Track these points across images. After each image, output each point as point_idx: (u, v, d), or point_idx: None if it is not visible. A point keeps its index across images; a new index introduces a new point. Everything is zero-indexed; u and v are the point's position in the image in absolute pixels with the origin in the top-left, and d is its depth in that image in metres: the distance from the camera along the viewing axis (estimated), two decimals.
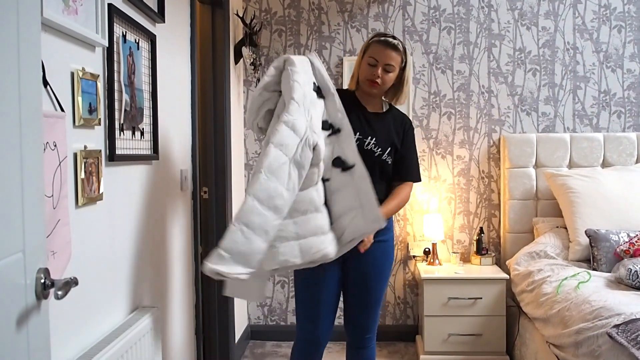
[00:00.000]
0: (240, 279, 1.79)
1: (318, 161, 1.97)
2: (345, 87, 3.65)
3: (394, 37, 2.28)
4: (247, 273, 1.80)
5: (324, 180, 2.08)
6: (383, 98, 2.40)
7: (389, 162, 2.29)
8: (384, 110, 2.39)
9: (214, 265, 1.73)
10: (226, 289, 2.04)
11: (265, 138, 2.03)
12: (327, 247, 1.98)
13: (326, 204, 2.06)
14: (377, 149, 2.26)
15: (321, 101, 2.11)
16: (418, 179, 2.41)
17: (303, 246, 1.93)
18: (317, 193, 2.01)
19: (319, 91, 2.12)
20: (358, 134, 2.22)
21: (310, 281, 2.26)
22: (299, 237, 1.93)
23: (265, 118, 2.13)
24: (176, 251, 2.48)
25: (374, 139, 2.26)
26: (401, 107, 2.49)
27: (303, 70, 2.05)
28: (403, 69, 2.30)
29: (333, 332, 2.34)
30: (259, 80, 3.80)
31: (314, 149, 1.94)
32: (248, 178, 3.92)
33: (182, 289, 2.55)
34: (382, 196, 2.25)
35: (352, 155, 2.08)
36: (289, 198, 1.89)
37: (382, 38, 2.26)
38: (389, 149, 2.29)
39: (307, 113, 1.98)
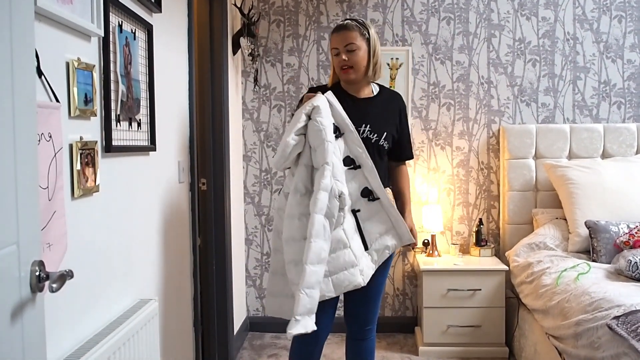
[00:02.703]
0: (311, 331, 1.98)
1: (344, 206, 2.12)
2: None
3: (347, 19, 2.31)
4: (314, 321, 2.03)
5: (355, 212, 2.22)
6: (370, 81, 2.38)
7: (386, 147, 2.31)
8: (375, 93, 2.38)
9: (295, 331, 1.94)
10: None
11: (300, 203, 2.12)
12: (357, 278, 2.16)
13: (360, 232, 2.23)
14: (374, 136, 2.27)
15: (339, 141, 2.20)
16: (412, 157, 2.51)
17: (335, 281, 2.13)
18: (343, 231, 2.15)
19: (338, 130, 2.19)
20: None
21: None
22: (331, 274, 2.12)
23: (294, 160, 2.20)
24: (174, 243, 2.47)
25: (368, 125, 2.26)
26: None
27: (327, 117, 2.13)
28: (369, 43, 2.28)
29: (333, 324, 2.34)
30: (257, 71, 3.78)
31: (339, 196, 2.10)
32: (247, 170, 3.90)
33: (180, 280, 2.54)
34: (384, 174, 2.32)
35: (377, 186, 2.22)
36: (328, 246, 2.08)
37: (335, 27, 2.32)
38: (385, 133, 2.30)
39: (331, 163, 2.09)
